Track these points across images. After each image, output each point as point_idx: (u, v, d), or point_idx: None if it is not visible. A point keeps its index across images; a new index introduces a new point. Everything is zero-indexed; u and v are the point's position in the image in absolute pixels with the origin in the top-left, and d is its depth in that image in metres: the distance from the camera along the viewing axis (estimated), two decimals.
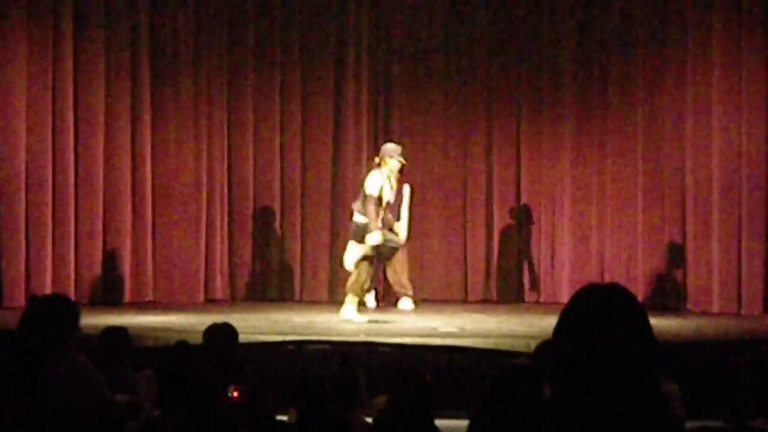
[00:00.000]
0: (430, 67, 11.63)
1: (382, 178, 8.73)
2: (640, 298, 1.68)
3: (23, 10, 10.01)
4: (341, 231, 11.37)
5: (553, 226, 11.36)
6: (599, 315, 1.77)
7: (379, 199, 8.69)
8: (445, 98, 11.66)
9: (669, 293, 10.51)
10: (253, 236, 11.45)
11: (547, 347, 4.94)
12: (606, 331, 1.76)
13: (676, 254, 10.48)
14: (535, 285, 11.43)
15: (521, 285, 11.47)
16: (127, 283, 10.69)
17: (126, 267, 10.67)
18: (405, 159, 9.00)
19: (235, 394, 4.55)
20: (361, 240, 8.66)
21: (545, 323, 8.62)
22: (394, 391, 4.48)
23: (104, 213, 10.54)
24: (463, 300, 11.45)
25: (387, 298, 10.49)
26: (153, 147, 10.95)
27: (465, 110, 11.68)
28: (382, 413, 4.50)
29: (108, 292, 10.55)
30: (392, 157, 8.82)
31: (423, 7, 11.66)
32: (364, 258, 8.69)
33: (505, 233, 11.55)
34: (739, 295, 9.77)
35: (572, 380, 1.77)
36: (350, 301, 8.75)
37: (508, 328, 8.75)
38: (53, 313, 4.03)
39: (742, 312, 9.69)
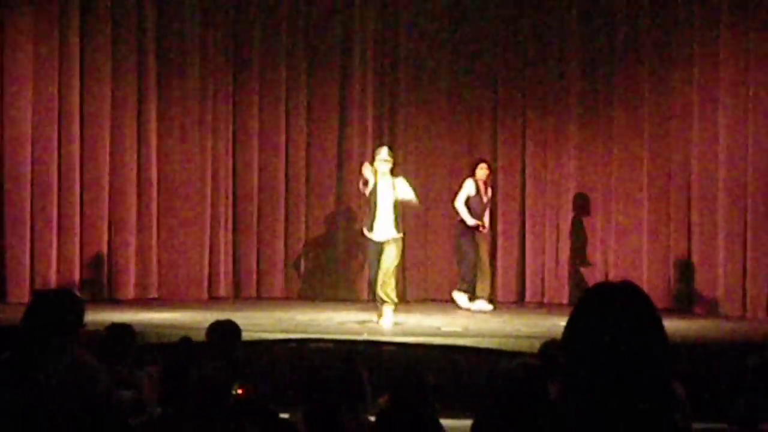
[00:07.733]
0: (435, 67, 11.61)
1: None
2: None
3: (30, 8, 10.02)
4: (345, 229, 11.38)
5: (558, 228, 11.33)
6: (610, 313, 1.75)
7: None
8: (450, 98, 11.64)
9: (674, 295, 10.48)
10: (258, 234, 11.44)
11: (551, 347, 4.94)
12: (617, 329, 1.74)
13: (682, 256, 10.44)
14: (538, 286, 11.40)
15: (525, 286, 11.46)
16: (132, 279, 10.70)
17: (131, 264, 10.68)
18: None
19: (240, 391, 4.53)
20: None
21: (549, 324, 8.61)
22: (396, 390, 4.46)
23: (109, 210, 10.55)
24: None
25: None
26: (158, 144, 10.98)
27: (470, 110, 11.66)
28: (384, 412, 4.48)
29: (112, 289, 10.56)
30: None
31: (429, 5, 11.64)
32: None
33: (509, 234, 11.53)
34: (745, 297, 9.74)
35: (581, 378, 1.75)
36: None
37: (511, 328, 8.75)
38: (58, 309, 4.02)
39: (748, 315, 9.65)
